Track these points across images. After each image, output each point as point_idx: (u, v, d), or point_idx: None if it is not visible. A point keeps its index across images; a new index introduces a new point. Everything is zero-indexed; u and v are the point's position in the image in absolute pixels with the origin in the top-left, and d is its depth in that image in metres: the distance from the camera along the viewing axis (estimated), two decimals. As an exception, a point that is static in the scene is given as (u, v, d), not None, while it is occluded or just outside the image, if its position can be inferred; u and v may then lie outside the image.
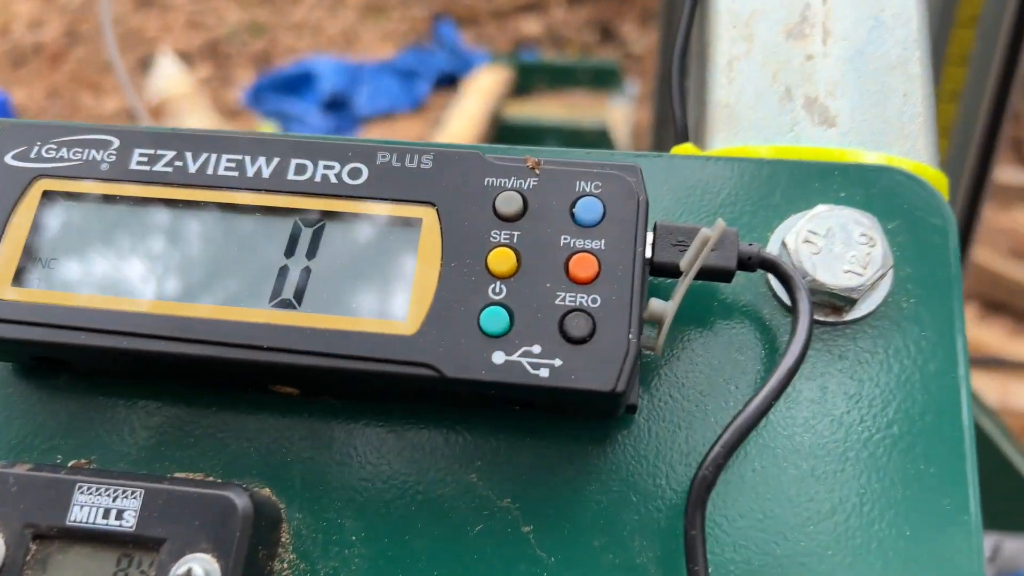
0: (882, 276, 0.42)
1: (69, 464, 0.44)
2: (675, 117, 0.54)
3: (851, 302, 0.42)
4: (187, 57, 3.62)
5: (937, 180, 0.47)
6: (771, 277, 0.44)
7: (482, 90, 3.07)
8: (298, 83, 3.48)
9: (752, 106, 0.50)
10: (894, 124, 0.48)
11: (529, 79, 3.26)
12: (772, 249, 0.44)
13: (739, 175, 0.47)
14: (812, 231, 0.43)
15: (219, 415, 0.44)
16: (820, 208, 0.43)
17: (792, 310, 0.40)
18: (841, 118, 0.49)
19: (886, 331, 0.43)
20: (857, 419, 0.42)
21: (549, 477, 0.42)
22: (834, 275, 0.42)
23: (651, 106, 1.29)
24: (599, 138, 2.97)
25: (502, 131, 3.01)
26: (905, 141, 0.48)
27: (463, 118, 2.90)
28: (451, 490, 0.42)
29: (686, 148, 0.49)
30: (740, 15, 0.52)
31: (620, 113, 3.14)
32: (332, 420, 0.44)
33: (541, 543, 0.41)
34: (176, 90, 3.17)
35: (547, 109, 3.18)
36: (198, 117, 3.12)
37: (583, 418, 0.43)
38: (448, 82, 3.52)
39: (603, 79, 3.28)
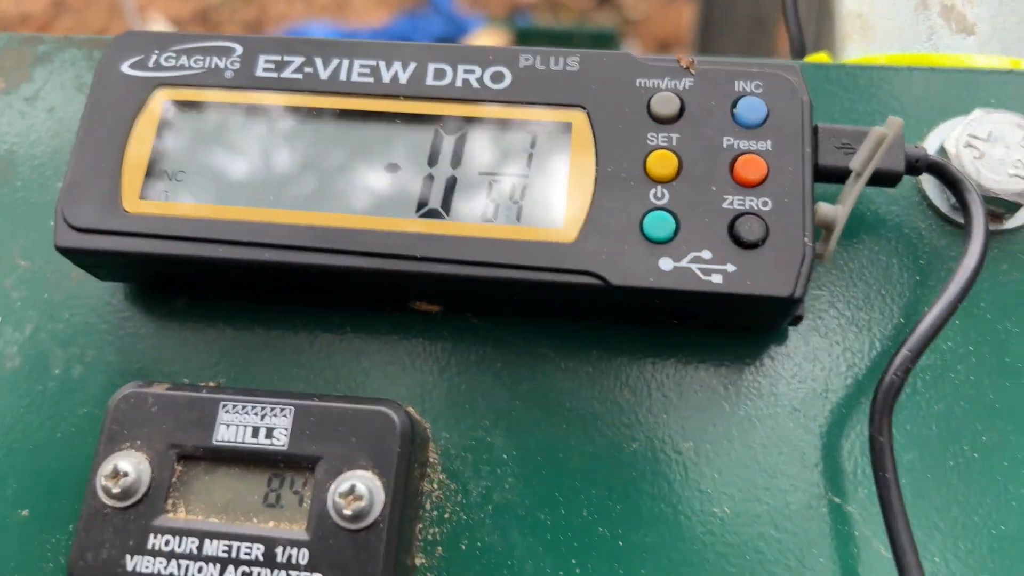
0: (1048, 180, 0.41)
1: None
2: (791, 32, 0.52)
3: (1015, 208, 0.41)
4: (178, 24, 3.55)
5: (1084, 87, 0.45)
6: (925, 184, 0.42)
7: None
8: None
9: (886, 15, 0.48)
10: (1035, 31, 0.47)
11: (526, 44, 3.21)
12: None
13: (881, 84, 0.45)
14: (973, 135, 0.41)
15: (356, 335, 0.42)
16: (978, 112, 0.42)
17: (964, 214, 0.39)
18: (980, 26, 0.47)
19: (1048, 239, 0.42)
20: (1020, 328, 0.40)
21: (705, 393, 0.40)
22: (999, 179, 0.40)
23: (695, 10, 1.25)
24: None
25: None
26: (1049, 48, 0.46)
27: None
28: (604, 407, 0.40)
29: (821, 57, 0.48)
30: (868, -80, 0.50)
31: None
32: (474, 338, 0.42)
33: (702, 461, 0.39)
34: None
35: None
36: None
37: (745, 329, 0.41)
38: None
39: (601, 45, 3.24)
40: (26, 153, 0.47)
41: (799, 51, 0.51)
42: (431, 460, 0.40)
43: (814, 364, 0.40)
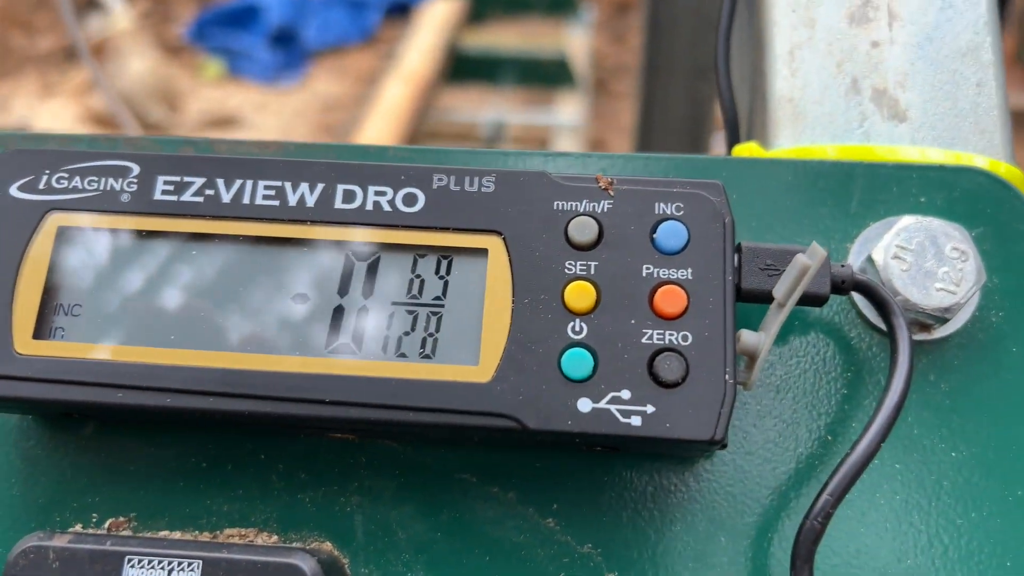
0: (976, 292, 0.40)
1: (107, 524, 0.40)
2: (725, 110, 0.50)
3: (944, 321, 0.40)
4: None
5: (1016, 178, 0.44)
6: (856, 295, 0.41)
7: (436, 20, 2.97)
8: (243, 17, 3.33)
9: (818, 100, 0.46)
10: (968, 117, 0.45)
11: (483, 5, 3.16)
12: (855, 262, 0.41)
13: (812, 180, 0.44)
14: (901, 246, 0.40)
15: (269, 463, 0.41)
16: (907, 220, 0.40)
17: (891, 338, 0.38)
18: (912, 111, 0.46)
19: (976, 349, 0.41)
20: (949, 443, 0.40)
21: (631, 519, 0.39)
22: (927, 294, 0.39)
23: (640, 53, 1.25)
24: (559, 68, 2.91)
25: (458, 63, 2.93)
26: (981, 136, 0.45)
27: (418, 52, 2.81)
28: (528, 537, 0.39)
29: (750, 148, 0.46)
30: (799, -2, 0.48)
31: (578, 41, 3.07)
32: (393, 467, 0.40)
33: (628, 590, 0.39)
34: (117, 27, 3.03)
35: (504, 38, 3.10)
36: (140, 56, 2.99)
37: (668, 457, 0.40)
38: (399, 11, 3.40)
39: (559, 5, 3.20)
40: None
41: (732, 132, 0.50)
42: (350, 598, 0.39)
43: (740, 487, 0.40)
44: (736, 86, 0.51)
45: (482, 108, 2.87)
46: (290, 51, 3.30)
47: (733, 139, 0.51)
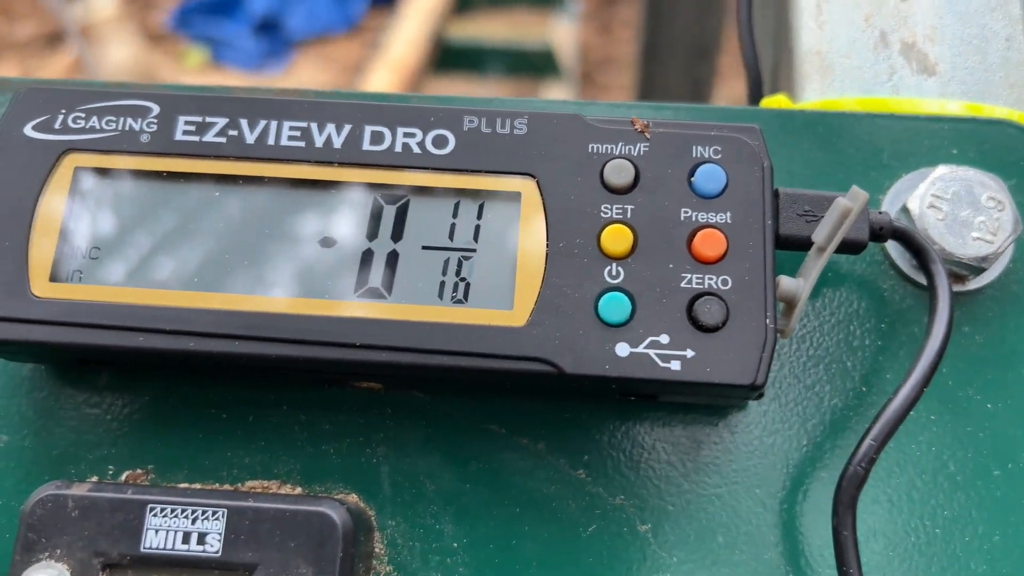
0: (1012, 242, 0.39)
1: (124, 476, 0.39)
2: (748, 66, 0.49)
3: (979, 271, 0.39)
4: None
5: (1047, 132, 0.44)
6: (889, 244, 0.41)
7: (422, 10, 2.95)
8: (227, 4, 3.30)
9: (846, 53, 0.46)
10: (997, 72, 0.45)
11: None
12: (890, 212, 0.41)
13: (842, 132, 0.43)
14: (936, 195, 0.39)
15: (291, 414, 0.40)
16: (942, 169, 0.40)
17: (929, 285, 0.37)
18: (941, 66, 0.45)
19: (1011, 301, 0.40)
20: (984, 395, 0.39)
21: (664, 471, 0.39)
22: (963, 243, 0.39)
23: (639, 35, 1.24)
24: (545, 60, 2.90)
25: (445, 53, 2.91)
26: (1011, 90, 0.45)
27: (404, 42, 2.79)
28: (559, 489, 0.38)
29: (778, 101, 0.45)
30: (827, -50, 0.47)
31: (564, 32, 3.06)
32: (420, 417, 0.39)
33: (661, 542, 0.38)
34: (99, 14, 2.99)
35: (490, 28, 3.08)
36: (123, 43, 2.96)
37: (701, 408, 0.39)
38: (384, 0, 3.38)
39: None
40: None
41: (755, 88, 0.49)
42: (376, 551, 0.38)
43: (775, 438, 0.39)
44: (757, 42, 0.50)
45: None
46: (274, 40, 3.27)
47: (756, 94, 0.50)
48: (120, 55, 2.93)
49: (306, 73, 3.23)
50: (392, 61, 2.66)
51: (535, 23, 3.09)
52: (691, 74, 1.17)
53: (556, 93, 2.82)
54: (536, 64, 2.88)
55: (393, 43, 2.76)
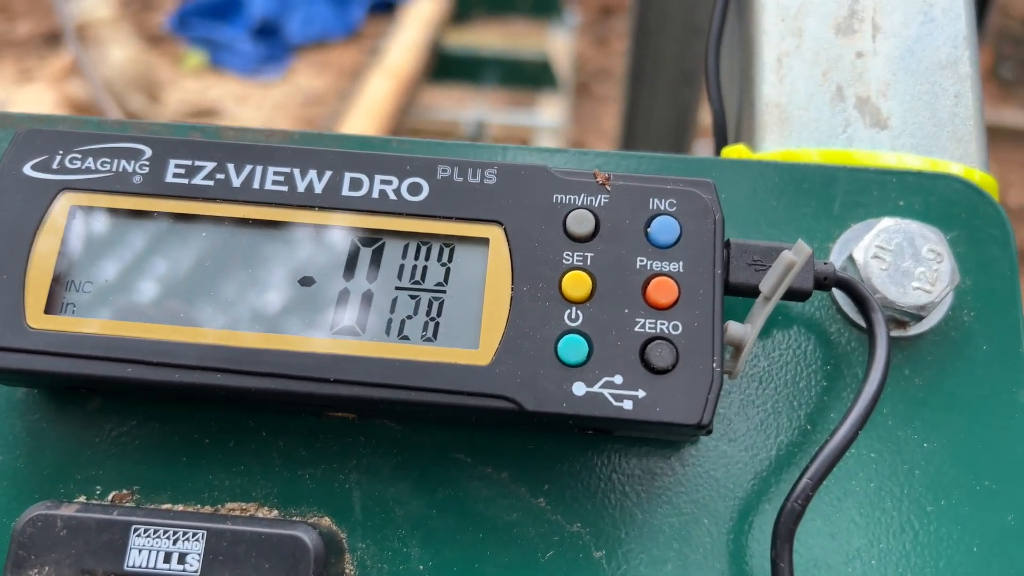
0: (950, 292, 0.42)
1: (110, 496, 0.41)
2: (714, 113, 0.52)
3: (919, 319, 0.42)
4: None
5: (990, 185, 0.47)
6: (836, 291, 0.43)
7: (420, 18, 2.98)
8: (225, 8, 3.32)
9: (804, 106, 0.48)
10: (946, 127, 0.48)
11: (467, 5, 3.18)
12: (836, 261, 0.43)
13: (797, 182, 0.46)
14: (880, 246, 0.42)
15: (270, 440, 0.42)
16: (887, 221, 0.43)
17: (869, 333, 0.40)
18: (893, 120, 0.48)
19: (949, 346, 0.43)
20: (921, 434, 0.42)
21: (619, 500, 0.41)
22: (904, 292, 0.41)
23: (627, 58, 1.26)
24: (541, 70, 2.92)
25: (441, 62, 2.94)
26: (958, 145, 0.47)
27: (402, 48, 2.82)
28: (520, 516, 0.41)
29: (738, 151, 0.48)
30: (788, 8, 0.50)
31: (561, 43, 3.09)
32: (391, 445, 0.42)
33: (614, 568, 0.40)
34: (97, 15, 3.01)
35: (487, 38, 3.11)
36: (121, 44, 2.97)
37: (655, 441, 0.42)
38: (383, 7, 3.41)
39: (543, 7, 3.22)
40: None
41: (720, 134, 0.52)
42: (347, 572, 0.40)
43: (724, 472, 0.42)
44: (724, 91, 0.53)
45: (464, 107, 2.88)
46: (272, 44, 3.29)
47: (721, 142, 0.53)
48: (118, 56, 2.94)
49: (303, 78, 3.25)
50: (389, 68, 2.69)
51: (532, 34, 3.12)
52: (676, 99, 1.20)
53: (552, 104, 2.85)
54: (532, 74, 2.91)
55: (391, 50, 2.79)
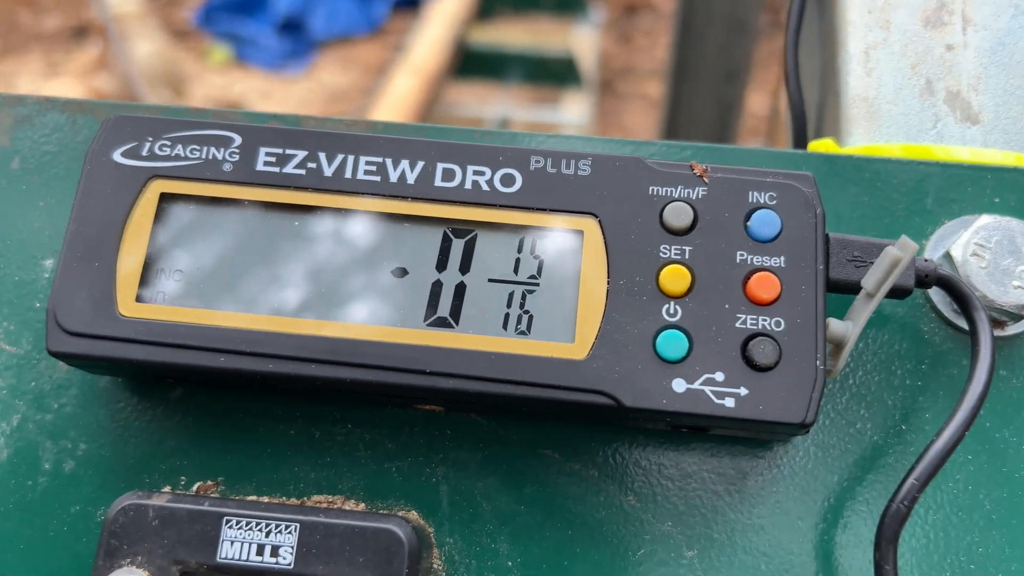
0: (1051, 291, 0.41)
1: (195, 487, 0.41)
2: (794, 108, 0.51)
3: (1019, 318, 0.41)
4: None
5: (1085, 183, 0.46)
6: (931, 289, 0.42)
7: (445, 15, 2.98)
8: (251, 3, 3.33)
9: (892, 100, 0.47)
10: (1040, 122, 0.47)
11: (492, 1, 3.17)
12: (932, 258, 0.43)
13: (888, 177, 0.45)
14: (979, 243, 0.41)
15: (356, 432, 0.42)
16: (986, 218, 0.42)
17: (971, 332, 0.39)
18: (984, 114, 0.47)
19: (1048, 346, 0.42)
20: (1021, 437, 0.41)
21: (711, 499, 0.41)
22: (1004, 291, 0.41)
23: (668, 53, 1.25)
24: (566, 67, 2.92)
25: (466, 58, 2.94)
26: (1052, 141, 0.46)
27: (426, 45, 2.81)
28: (609, 513, 0.40)
29: (826, 145, 0.47)
30: (876, 0, 0.49)
31: (586, 41, 3.08)
32: (478, 440, 0.41)
33: (706, 568, 0.40)
34: (124, 9, 3.02)
35: (511, 35, 3.10)
36: (147, 39, 2.98)
37: (747, 441, 0.41)
38: (408, 4, 3.41)
39: (567, 4, 3.21)
40: (6, 227, 0.45)
41: (800, 129, 0.51)
42: (435, 567, 0.40)
43: (818, 473, 0.41)
44: (803, 84, 0.52)
45: (488, 103, 2.87)
46: (297, 40, 3.30)
47: (800, 136, 0.52)
48: (144, 51, 2.95)
49: (327, 74, 3.26)
50: (414, 65, 2.69)
51: (556, 31, 3.11)
52: (718, 95, 1.19)
53: (576, 101, 2.84)
54: (556, 72, 2.90)
55: (416, 47, 2.79)
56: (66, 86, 3.05)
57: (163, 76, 3.00)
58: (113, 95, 2.91)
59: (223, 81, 3.19)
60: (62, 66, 3.18)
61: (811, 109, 0.53)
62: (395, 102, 2.54)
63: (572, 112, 2.81)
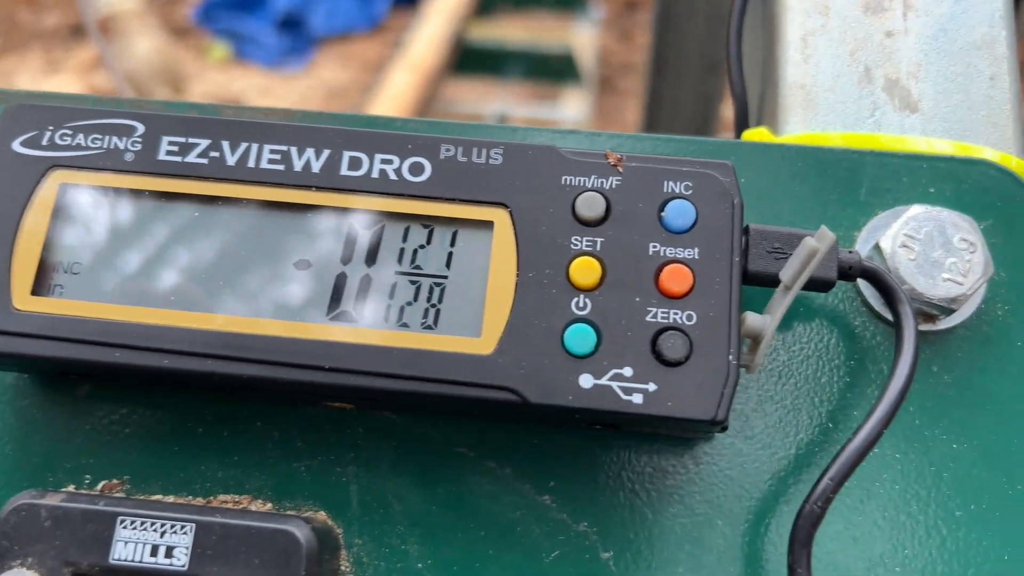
0: (983, 284, 0.39)
1: (100, 485, 0.40)
2: (735, 96, 0.50)
3: (950, 312, 0.40)
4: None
5: (1026, 173, 0.44)
6: (860, 281, 0.41)
7: (444, 11, 2.97)
8: (250, 0, 3.33)
9: (830, 88, 0.46)
10: (980, 110, 0.45)
11: (491, -9, 3.15)
12: (862, 250, 0.41)
13: (821, 167, 0.43)
14: (909, 235, 0.40)
15: (265, 430, 0.40)
16: (916, 209, 0.40)
17: (896, 326, 0.37)
18: (924, 103, 0.45)
19: (981, 341, 0.41)
20: (950, 435, 0.40)
21: (629, 499, 0.39)
22: (933, 283, 0.39)
23: (648, 46, 1.24)
24: (565, 64, 2.90)
25: (465, 55, 2.93)
26: (993, 130, 0.45)
27: (425, 42, 2.80)
28: (524, 513, 0.39)
29: (760, 133, 0.46)
30: (815, -16, 0.47)
31: (585, 37, 3.07)
32: (391, 438, 0.40)
33: (622, 570, 0.38)
34: (123, 6, 3.02)
35: (511, 31, 3.09)
36: (146, 36, 2.98)
37: (667, 438, 0.40)
38: (407, 0, 3.40)
39: (567, 1, 3.19)
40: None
41: (742, 118, 0.49)
42: (342, 569, 0.39)
43: (739, 471, 0.39)
44: (746, 73, 0.51)
45: (487, 100, 2.86)
46: (296, 36, 3.29)
47: (741, 127, 0.50)
48: (143, 48, 2.95)
49: (326, 70, 3.25)
50: (412, 61, 2.68)
51: (556, 27, 3.09)
52: (700, 88, 1.18)
53: (575, 98, 2.82)
54: (556, 68, 2.89)
55: (414, 43, 2.78)
56: (65, 83, 3.05)
57: (162, 74, 3.00)
58: (113, 93, 2.90)
59: (223, 78, 3.19)
60: (61, 63, 3.18)
61: (754, 100, 0.52)
62: (392, 99, 2.53)
63: (571, 109, 2.80)
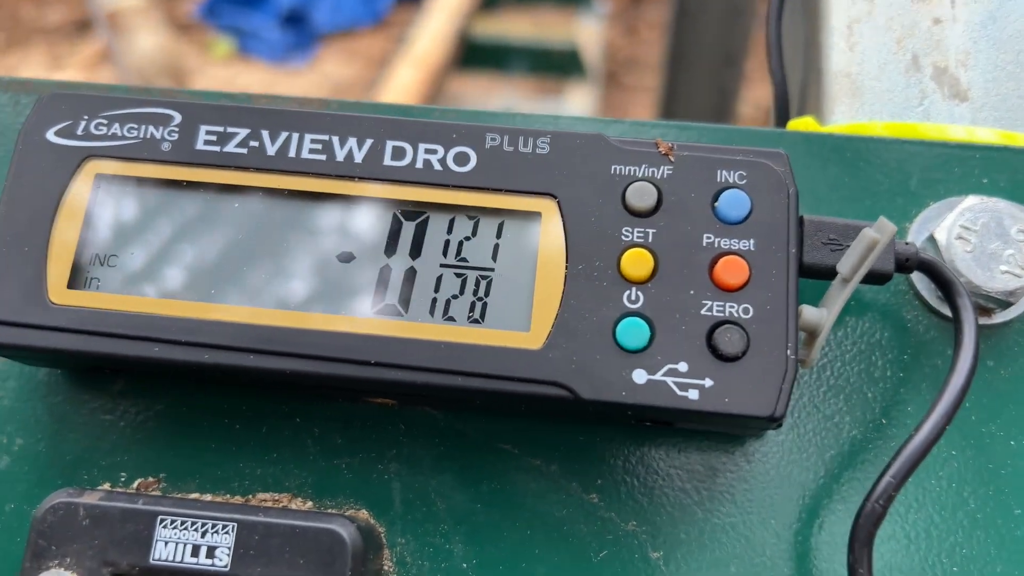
0: (1041, 277, 0.38)
1: (135, 484, 0.39)
2: (776, 86, 0.49)
3: (1007, 305, 0.39)
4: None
5: (1080, 163, 0.43)
6: (914, 275, 0.40)
7: (448, 6, 2.95)
8: (254, -5, 3.32)
9: (876, 76, 0.45)
10: (1032, 99, 0.44)
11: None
12: (915, 241, 0.40)
13: (870, 157, 0.42)
14: (965, 226, 0.39)
15: (304, 427, 0.39)
16: (972, 200, 0.39)
17: (955, 320, 0.36)
18: (973, 91, 0.44)
19: (1038, 335, 0.40)
20: (1007, 432, 0.39)
21: (678, 497, 0.38)
22: (991, 276, 0.38)
23: (666, 41, 1.23)
24: (569, 59, 2.89)
25: (469, 50, 2.92)
26: (1045, 119, 0.44)
27: (429, 37, 2.79)
28: (571, 512, 0.38)
29: (806, 123, 0.45)
30: (860, -29, 0.46)
31: (590, 32, 3.05)
32: (433, 435, 0.39)
33: (672, 571, 0.37)
34: (127, 2, 3.00)
35: (515, 26, 3.08)
36: (150, 32, 2.97)
37: (717, 435, 0.39)
38: (411, -5, 3.38)
39: (570, -8, 3.17)
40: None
41: (782, 107, 0.48)
42: (385, 568, 0.38)
43: (791, 469, 0.38)
44: (786, 61, 0.50)
45: (491, 96, 2.85)
46: (300, 32, 3.28)
47: (782, 116, 0.49)
48: (147, 44, 2.94)
49: (330, 66, 3.24)
50: (416, 57, 2.66)
51: (561, 22, 3.08)
52: (717, 81, 1.16)
53: (580, 93, 2.81)
54: (561, 63, 2.88)
55: (418, 39, 2.76)
56: (69, 79, 3.03)
57: (166, 69, 2.99)
58: (115, 88, 2.88)
59: (226, 74, 3.18)
60: (66, 59, 3.17)
61: (795, 87, 0.51)
62: (397, 94, 2.52)
63: (576, 104, 2.79)
